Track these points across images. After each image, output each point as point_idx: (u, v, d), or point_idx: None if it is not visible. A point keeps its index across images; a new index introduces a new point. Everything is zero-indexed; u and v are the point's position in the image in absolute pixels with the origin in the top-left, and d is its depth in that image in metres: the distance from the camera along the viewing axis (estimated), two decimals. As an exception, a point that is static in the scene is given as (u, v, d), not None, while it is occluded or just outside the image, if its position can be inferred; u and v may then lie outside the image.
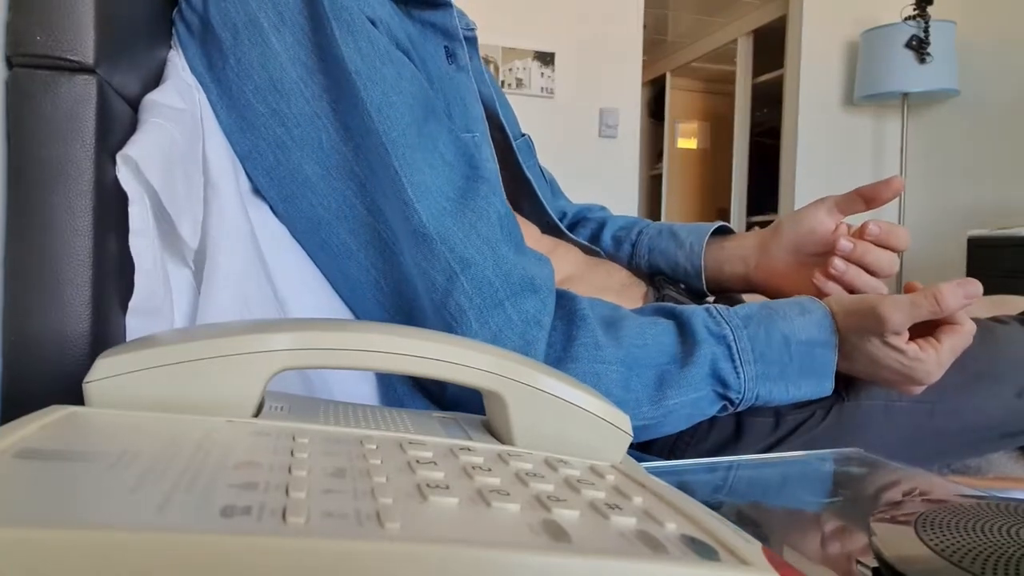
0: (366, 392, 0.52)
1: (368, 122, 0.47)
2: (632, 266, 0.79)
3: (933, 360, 0.52)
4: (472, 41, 0.68)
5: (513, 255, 0.49)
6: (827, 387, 0.55)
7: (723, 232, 0.76)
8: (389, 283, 0.50)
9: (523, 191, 0.76)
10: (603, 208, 0.90)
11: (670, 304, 0.56)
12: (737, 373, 0.52)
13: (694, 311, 0.54)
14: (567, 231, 0.77)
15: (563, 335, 0.49)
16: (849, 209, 0.66)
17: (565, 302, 0.51)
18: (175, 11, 0.49)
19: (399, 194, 0.47)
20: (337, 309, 0.53)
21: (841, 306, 0.55)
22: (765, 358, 0.52)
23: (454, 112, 0.61)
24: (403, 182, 0.47)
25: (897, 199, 2.97)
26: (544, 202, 0.75)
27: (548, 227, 0.76)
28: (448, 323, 0.47)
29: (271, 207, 0.51)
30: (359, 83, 0.47)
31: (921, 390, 0.55)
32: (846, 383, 0.60)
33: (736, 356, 0.52)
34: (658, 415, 0.50)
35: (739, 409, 0.54)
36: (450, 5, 0.60)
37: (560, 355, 0.49)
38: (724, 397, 0.52)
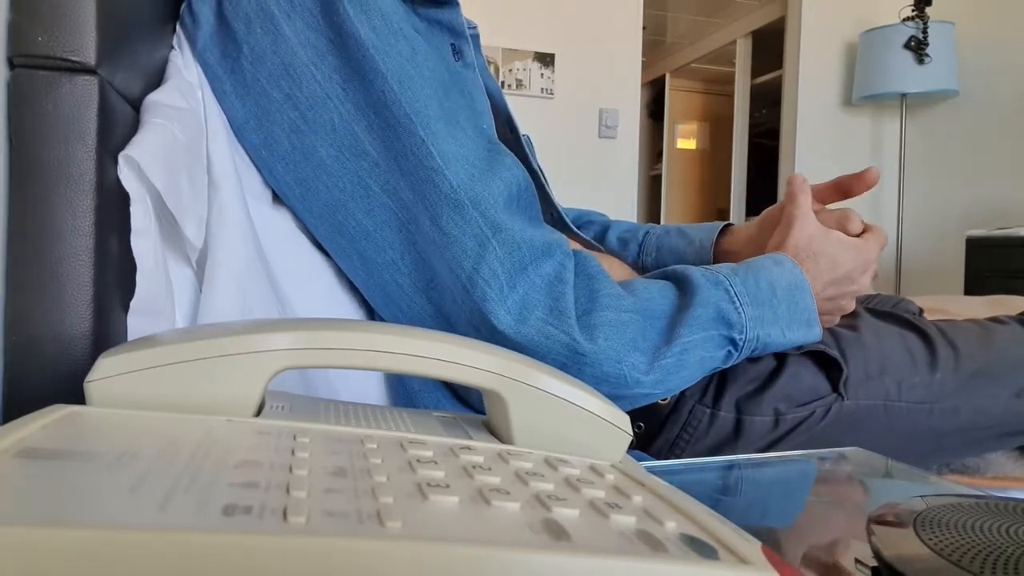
0: (372, 386, 0.52)
1: (389, 95, 0.48)
2: (636, 265, 0.80)
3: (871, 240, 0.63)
4: (475, 39, 0.68)
5: (532, 224, 0.51)
6: (816, 332, 0.58)
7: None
8: (407, 262, 0.51)
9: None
10: (604, 215, 0.91)
11: (661, 270, 0.59)
12: (738, 312, 0.54)
13: (685, 267, 0.57)
14: (572, 226, 0.78)
15: (586, 289, 0.51)
16: (828, 198, 0.69)
17: (582, 260, 0.53)
18: (183, 6, 0.49)
19: (427, 162, 0.48)
20: (339, 308, 0.53)
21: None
22: (758, 301, 0.55)
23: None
24: (430, 150, 0.48)
25: (896, 199, 2.97)
26: (551, 195, 0.76)
27: (553, 220, 0.76)
28: (482, 288, 0.48)
29: (287, 195, 0.52)
30: (378, 57, 0.48)
31: (859, 288, 0.62)
32: (846, 383, 0.60)
33: (735, 298, 0.54)
34: (674, 357, 0.51)
35: (740, 355, 0.55)
36: (456, 3, 0.60)
37: (588, 306, 0.50)
38: (729, 339, 0.54)
